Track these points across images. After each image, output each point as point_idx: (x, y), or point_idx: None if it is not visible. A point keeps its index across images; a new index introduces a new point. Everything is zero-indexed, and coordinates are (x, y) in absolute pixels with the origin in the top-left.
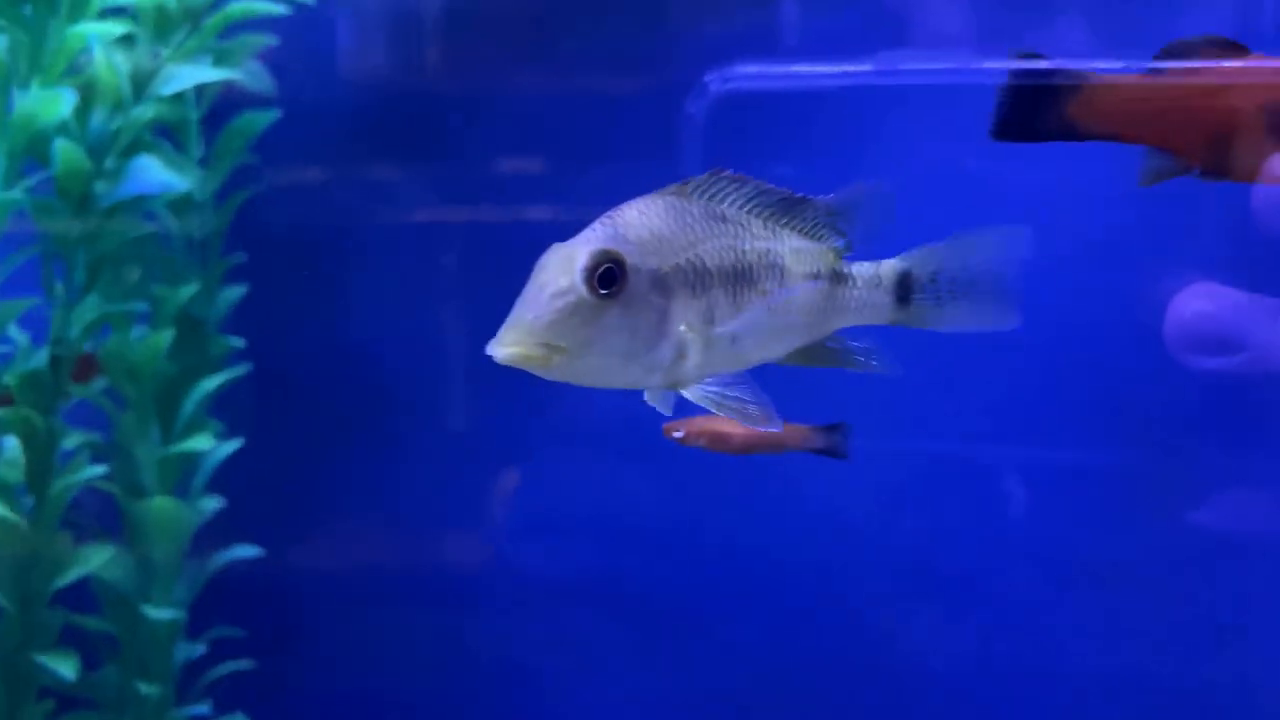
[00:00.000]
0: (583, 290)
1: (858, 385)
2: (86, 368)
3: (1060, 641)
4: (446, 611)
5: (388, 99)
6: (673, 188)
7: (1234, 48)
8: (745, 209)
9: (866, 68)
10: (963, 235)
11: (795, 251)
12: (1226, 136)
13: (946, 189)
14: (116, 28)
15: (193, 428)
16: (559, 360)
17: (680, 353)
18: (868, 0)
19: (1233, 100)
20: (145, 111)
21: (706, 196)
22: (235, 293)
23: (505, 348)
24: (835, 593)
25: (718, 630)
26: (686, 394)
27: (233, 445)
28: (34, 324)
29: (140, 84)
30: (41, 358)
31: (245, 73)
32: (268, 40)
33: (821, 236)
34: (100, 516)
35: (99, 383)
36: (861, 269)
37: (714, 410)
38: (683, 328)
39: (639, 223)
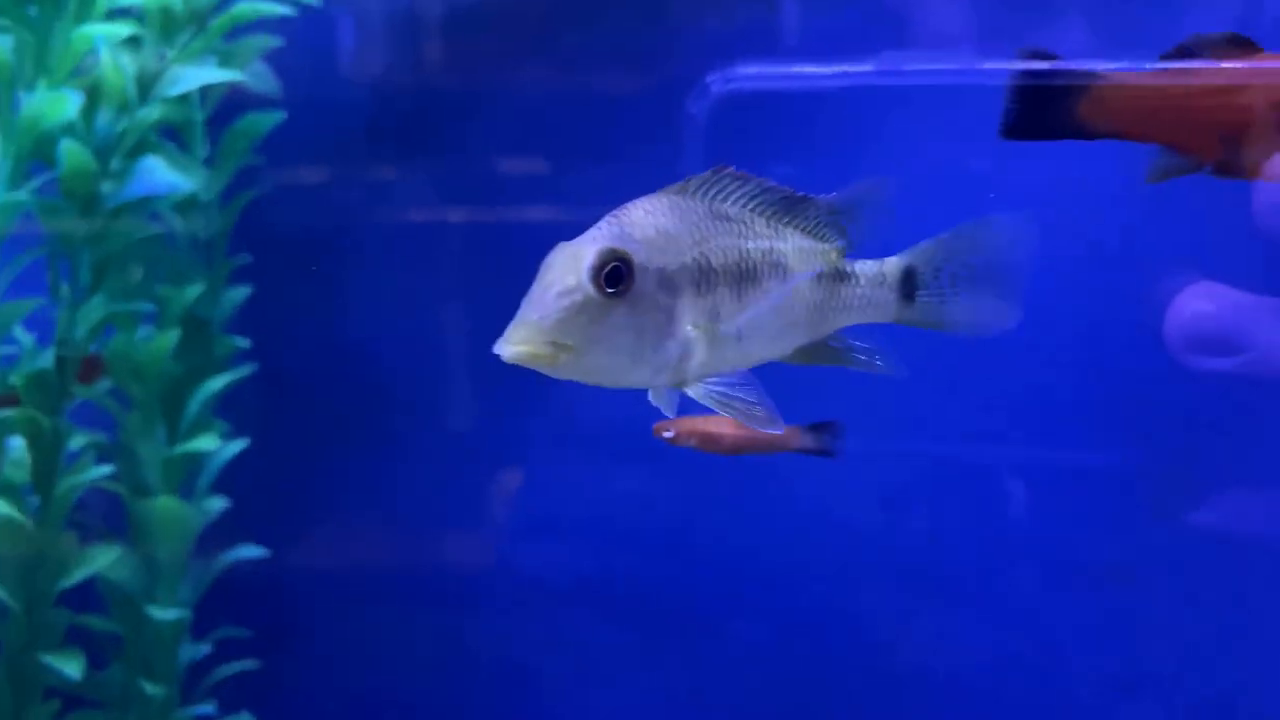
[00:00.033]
0: (589, 289)
1: (858, 386)
2: (91, 369)
3: (1062, 642)
4: (450, 612)
5: (392, 100)
6: (677, 186)
7: (1248, 46)
8: (748, 207)
9: (868, 68)
10: (965, 227)
11: (798, 250)
12: (1239, 134)
13: (948, 189)
14: (122, 29)
15: (198, 428)
16: (566, 359)
17: (686, 351)
18: (869, 0)
19: (1246, 98)
20: (151, 113)
21: (710, 194)
22: (240, 293)
23: (512, 346)
24: (836, 593)
25: (718, 631)
26: (691, 393)
27: (238, 445)
28: (39, 325)
29: (146, 85)
30: (47, 358)
31: (250, 74)
32: (273, 42)
33: (823, 235)
34: (105, 516)
35: (104, 383)
36: (864, 267)
37: (718, 410)
38: (688, 326)
39: (645, 221)
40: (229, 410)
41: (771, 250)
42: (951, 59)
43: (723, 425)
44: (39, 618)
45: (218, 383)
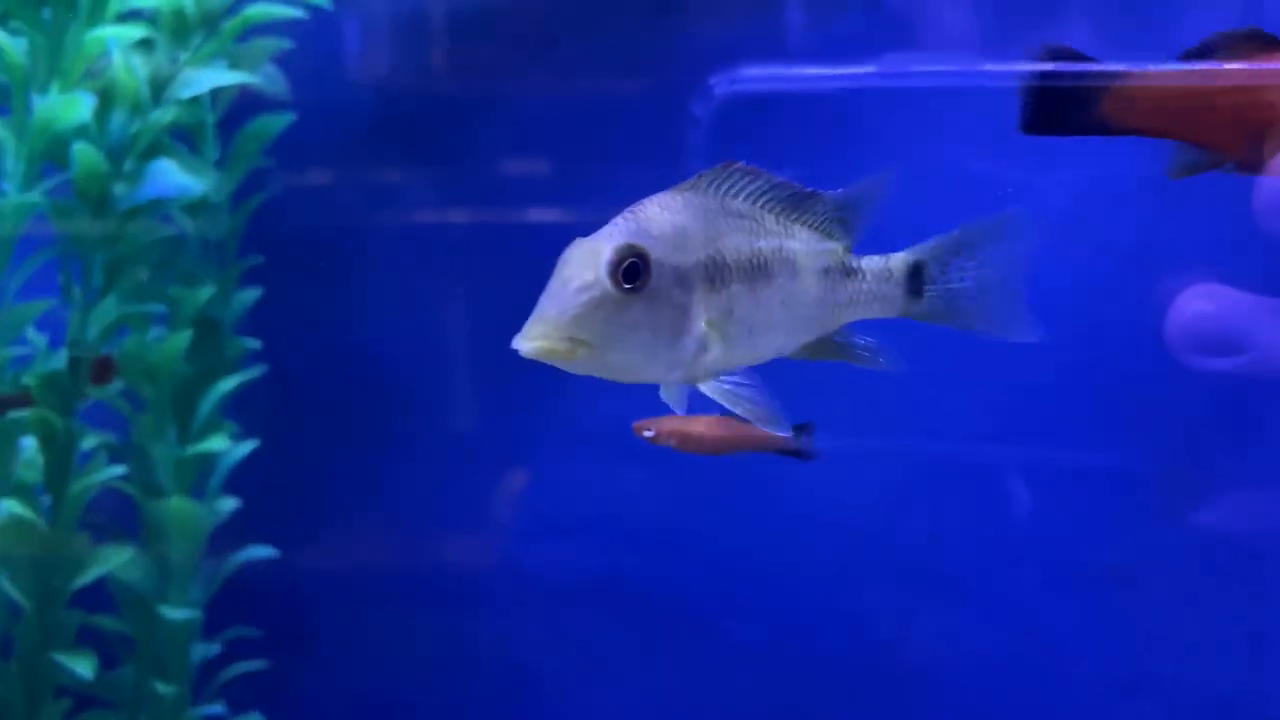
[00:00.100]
0: (607, 284)
1: (859, 385)
2: (104, 370)
3: (1062, 643)
4: (458, 612)
5: (400, 103)
6: (690, 182)
7: (1270, 42)
8: (758, 204)
9: (871, 70)
10: (972, 224)
11: (807, 246)
12: (1262, 130)
13: (950, 190)
14: (135, 31)
15: (209, 429)
16: (583, 354)
17: (700, 347)
18: (873, 3)
19: (1269, 95)
20: (163, 115)
21: (722, 190)
22: (251, 295)
23: (530, 342)
24: (836, 593)
25: (721, 631)
26: (704, 389)
27: (248, 446)
28: (51, 326)
29: (158, 88)
30: (60, 359)
31: (261, 76)
32: (283, 44)
33: (830, 231)
34: (117, 517)
35: (116, 384)
36: (871, 262)
37: (730, 406)
38: (703, 322)
39: (661, 218)
40: (239, 411)
41: (782, 247)
42: (954, 61)
43: (701, 425)
44: (51, 618)
45: (229, 384)
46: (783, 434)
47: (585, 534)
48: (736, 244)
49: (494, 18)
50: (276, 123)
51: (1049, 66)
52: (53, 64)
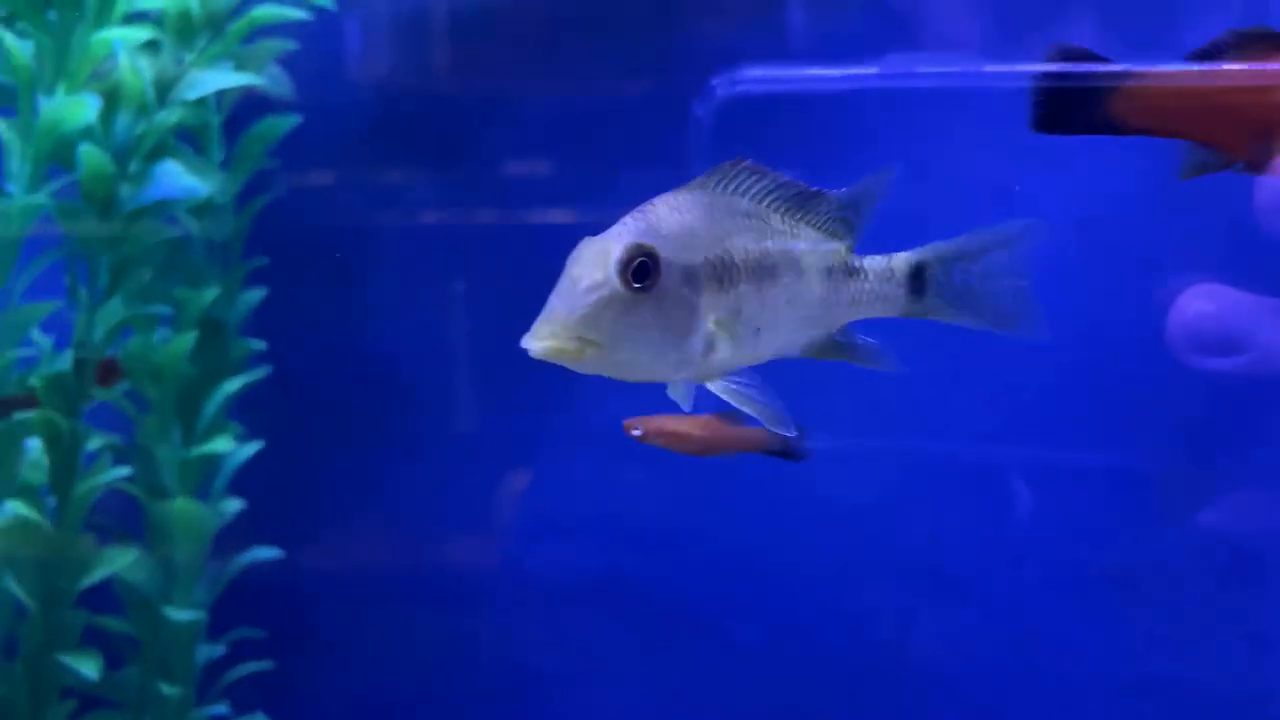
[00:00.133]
0: (616, 284)
1: (860, 386)
2: (109, 372)
3: (1065, 644)
4: (463, 614)
5: (405, 104)
6: (698, 181)
7: None
8: (764, 203)
9: (873, 71)
10: (979, 232)
11: (812, 245)
12: (1271, 131)
13: (952, 191)
14: (141, 33)
15: (214, 430)
16: (592, 354)
17: (708, 346)
18: (875, 3)
19: (1278, 95)
20: (169, 116)
21: (729, 189)
22: (255, 296)
23: (539, 341)
24: (839, 594)
25: (722, 631)
26: (712, 388)
27: (253, 447)
28: (57, 327)
29: (164, 89)
30: (65, 360)
31: (266, 78)
32: (288, 45)
33: (833, 230)
34: (122, 518)
35: (121, 386)
36: (873, 262)
37: (738, 405)
38: (711, 321)
39: (670, 217)
40: (244, 412)
41: (788, 246)
42: (956, 62)
43: (689, 425)
44: (57, 618)
45: (233, 385)
46: (788, 434)
47: (587, 534)
48: (744, 243)
49: (497, 19)
50: (281, 124)
51: (1060, 66)
52: (59, 65)
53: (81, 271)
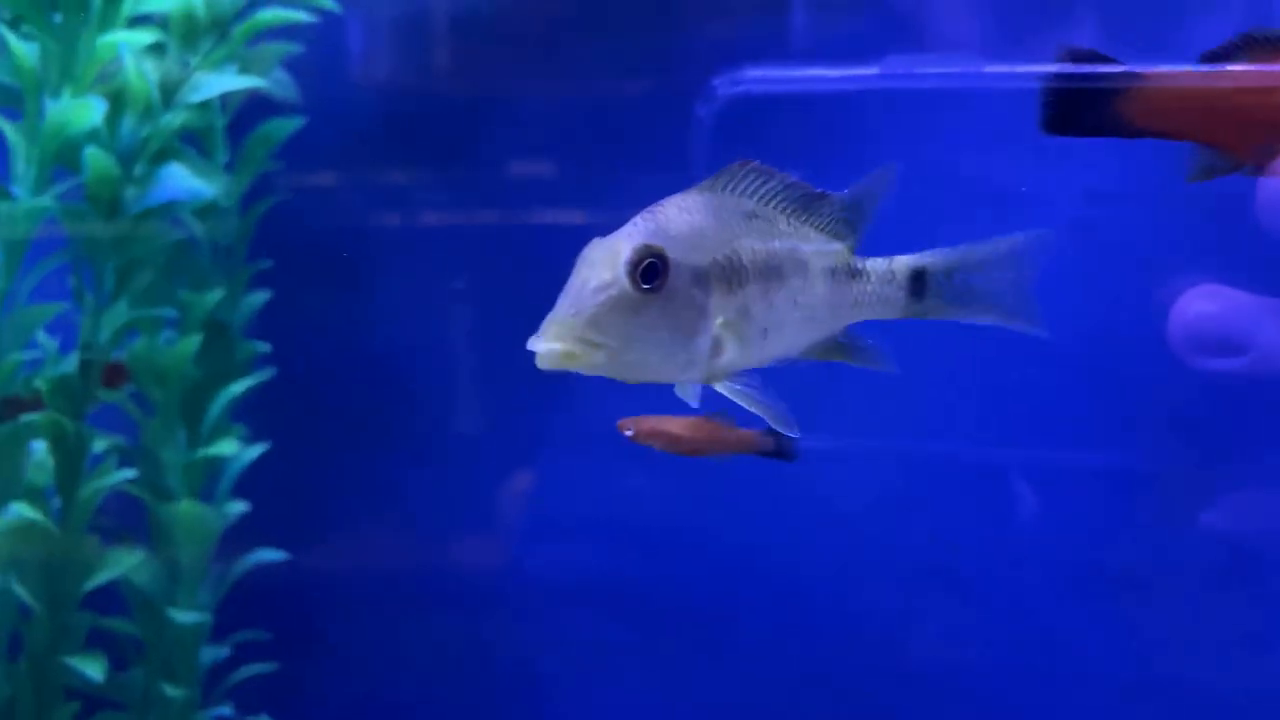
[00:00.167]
0: (625, 284)
1: (861, 386)
2: (115, 375)
3: (1067, 645)
4: (469, 615)
5: (409, 106)
6: (707, 182)
7: None
8: (770, 204)
9: (874, 71)
10: (983, 244)
11: (816, 247)
12: (1276, 132)
13: (953, 191)
14: (146, 36)
15: (218, 432)
16: (601, 355)
17: (717, 347)
18: (877, 4)
19: None
20: (174, 119)
21: (737, 190)
22: (260, 298)
23: (549, 342)
24: (843, 594)
25: (724, 632)
26: (720, 389)
27: (258, 449)
28: (63, 329)
29: (169, 92)
30: (71, 363)
31: (271, 80)
32: (293, 48)
33: (837, 232)
34: (127, 520)
35: (125, 388)
36: (875, 264)
37: (746, 406)
38: (719, 322)
39: (679, 219)
40: (248, 414)
41: (795, 248)
42: (958, 63)
43: (681, 426)
44: (62, 620)
45: (238, 387)
46: (792, 435)
47: (593, 535)
48: (752, 245)
49: (501, 20)
50: (286, 126)
51: (1069, 67)
52: (65, 68)
53: (86, 274)
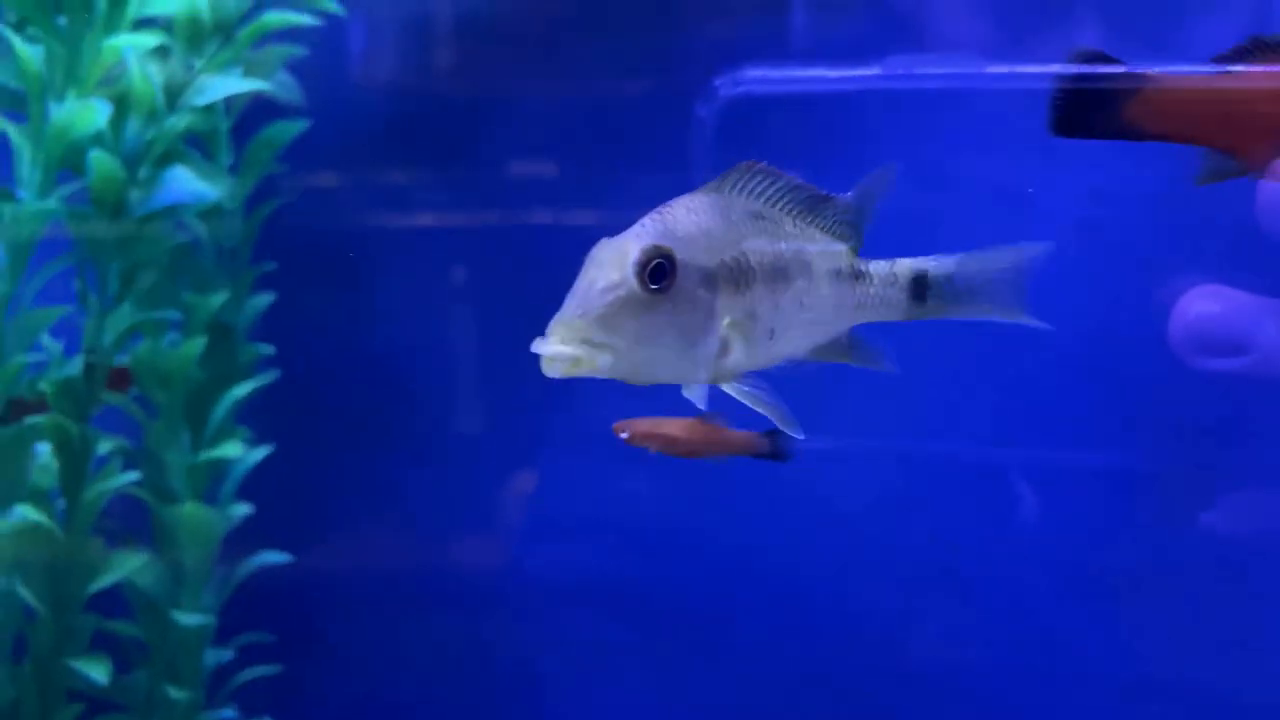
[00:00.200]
0: (634, 284)
1: (862, 386)
2: (120, 380)
3: (1068, 645)
4: (472, 617)
5: (413, 108)
6: (714, 183)
7: None
8: (776, 205)
9: (875, 72)
10: (984, 251)
11: (821, 249)
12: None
13: (954, 192)
14: (151, 39)
15: (222, 434)
16: (608, 356)
17: (724, 348)
18: (877, 4)
19: None
20: (178, 122)
21: (744, 192)
22: (264, 300)
23: (556, 345)
24: (842, 595)
25: (725, 632)
26: (727, 389)
27: (261, 452)
28: (67, 332)
29: (173, 95)
30: (75, 366)
31: (275, 83)
32: (297, 51)
33: (840, 234)
34: (131, 522)
35: (131, 392)
36: (878, 267)
37: (752, 406)
38: (726, 323)
39: (687, 219)
40: (252, 416)
41: (801, 249)
42: (959, 63)
43: (676, 427)
44: (66, 622)
45: (242, 389)
46: (798, 435)
47: (594, 536)
48: (759, 246)
49: (503, 21)
50: (290, 129)
51: (1080, 69)
52: (69, 71)
53: (91, 276)
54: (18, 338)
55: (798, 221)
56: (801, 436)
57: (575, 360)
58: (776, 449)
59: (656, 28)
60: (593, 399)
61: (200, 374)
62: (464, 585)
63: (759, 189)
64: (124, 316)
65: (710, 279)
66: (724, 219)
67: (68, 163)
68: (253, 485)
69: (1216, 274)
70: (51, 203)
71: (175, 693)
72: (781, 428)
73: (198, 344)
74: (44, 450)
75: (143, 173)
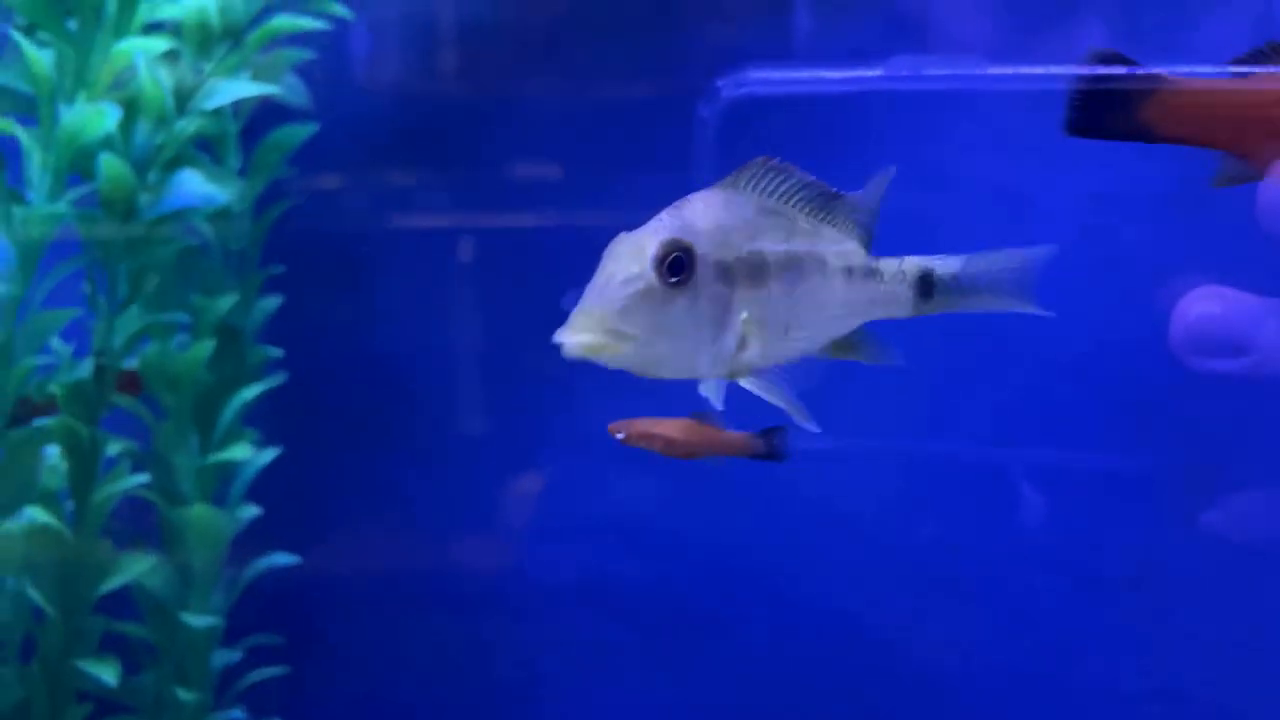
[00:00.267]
0: (652, 277)
1: (864, 386)
2: (130, 384)
3: (1072, 649)
4: (479, 618)
5: (421, 110)
6: (729, 179)
7: None
8: (790, 202)
9: (879, 73)
10: (990, 253)
11: (834, 245)
12: None
13: (956, 192)
14: (160, 43)
15: (231, 437)
16: (627, 348)
17: (741, 343)
18: (881, 5)
19: None
20: (188, 125)
21: (759, 188)
22: (272, 303)
23: (575, 335)
24: (843, 596)
25: (725, 633)
26: (744, 384)
27: (270, 454)
28: (76, 335)
29: (183, 98)
30: (85, 368)
31: (284, 87)
32: (305, 55)
33: (850, 231)
34: (139, 524)
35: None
36: (887, 264)
37: (770, 400)
38: (743, 317)
39: (705, 214)
40: (260, 419)
41: (815, 246)
42: (964, 65)
43: (672, 428)
44: (75, 624)
45: (250, 392)
46: (813, 430)
47: (595, 536)
48: (775, 242)
49: (511, 24)
50: (299, 132)
51: (1097, 69)
52: (79, 75)
53: (100, 279)
54: (28, 340)
55: (811, 218)
56: (817, 430)
57: (599, 346)
58: (773, 449)
59: (659, 29)
60: (593, 400)
61: (209, 376)
62: (470, 586)
63: (773, 186)
64: (133, 319)
65: (727, 273)
66: (740, 214)
67: (77, 166)
68: (261, 487)
69: (1218, 275)
70: (61, 206)
71: (184, 694)
72: (797, 421)
73: (206, 346)
74: (53, 452)
75: (152, 176)
